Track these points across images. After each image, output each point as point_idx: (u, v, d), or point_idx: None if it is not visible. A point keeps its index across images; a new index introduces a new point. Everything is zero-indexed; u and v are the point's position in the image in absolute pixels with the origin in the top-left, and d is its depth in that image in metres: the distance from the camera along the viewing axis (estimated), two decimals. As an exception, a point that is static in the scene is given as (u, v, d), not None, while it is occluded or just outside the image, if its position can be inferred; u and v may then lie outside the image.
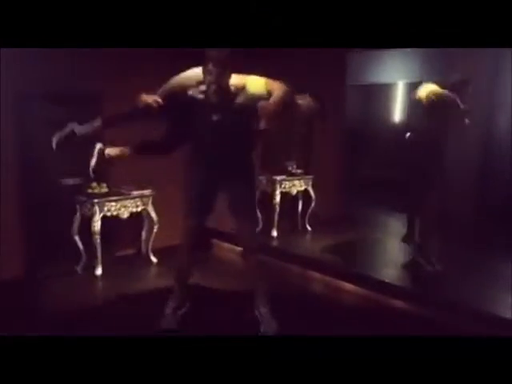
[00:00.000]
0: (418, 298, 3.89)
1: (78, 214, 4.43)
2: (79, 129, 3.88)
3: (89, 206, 4.35)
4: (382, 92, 7.59)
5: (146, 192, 4.67)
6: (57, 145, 3.84)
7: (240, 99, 3.01)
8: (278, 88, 2.97)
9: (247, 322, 3.27)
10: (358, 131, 7.48)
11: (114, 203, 4.44)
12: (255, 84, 3.01)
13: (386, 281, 4.20)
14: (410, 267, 4.54)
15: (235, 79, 3.02)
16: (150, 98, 3.07)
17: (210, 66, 2.90)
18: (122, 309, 3.77)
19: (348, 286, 4.23)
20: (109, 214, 4.41)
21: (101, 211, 4.34)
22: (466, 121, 4.27)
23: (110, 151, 3.48)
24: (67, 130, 3.87)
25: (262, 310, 3.28)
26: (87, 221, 4.36)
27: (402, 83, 7.46)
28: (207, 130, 3.09)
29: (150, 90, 3.18)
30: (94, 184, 4.46)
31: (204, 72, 2.95)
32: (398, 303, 3.86)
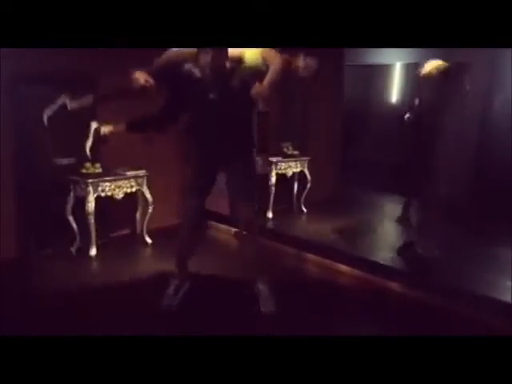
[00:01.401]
0: (414, 279, 3.91)
1: (71, 194, 4.39)
2: (71, 103, 3.83)
3: (83, 186, 4.31)
4: (380, 73, 7.53)
5: (141, 172, 4.63)
6: (48, 119, 3.79)
7: (237, 76, 2.97)
8: (273, 60, 2.95)
9: (246, 300, 3.30)
10: (355, 112, 7.43)
11: (108, 183, 4.40)
12: (251, 56, 2.99)
13: (381, 262, 4.21)
14: (406, 249, 4.55)
15: (231, 52, 2.97)
16: (142, 77, 2.99)
17: (207, 49, 2.84)
18: (117, 289, 3.77)
19: (343, 267, 4.24)
20: (103, 194, 4.37)
21: (95, 191, 4.30)
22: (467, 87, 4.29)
23: (105, 129, 3.43)
24: (58, 103, 3.81)
25: (261, 287, 3.32)
26: (81, 201, 4.33)
27: (399, 64, 7.41)
28: (204, 109, 3.05)
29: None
30: (88, 164, 4.42)
31: (200, 52, 2.88)
32: (394, 285, 3.87)
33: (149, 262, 4.57)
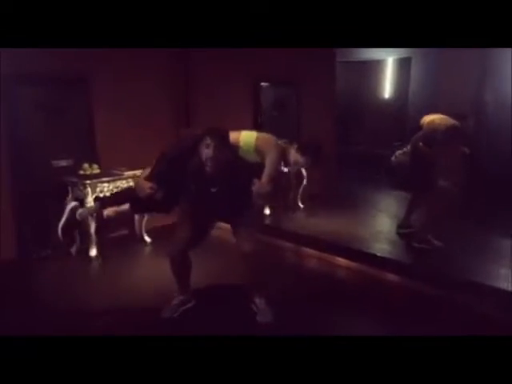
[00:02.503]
0: (411, 271, 3.96)
1: (70, 195, 4.42)
2: (80, 213, 3.96)
3: (81, 187, 4.34)
4: (373, 68, 7.59)
5: (138, 172, 4.65)
6: (62, 232, 3.93)
7: (236, 167, 2.98)
8: (269, 151, 2.95)
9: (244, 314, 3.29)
10: (349, 108, 7.49)
11: (106, 184, 4.43)
12: (246, 145, 2.97)
13: (378, 255, 4.27)
14: (403, 241, 4.62)
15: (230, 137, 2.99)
16: (147, 186, 3.02)
17: (209, 140, 2.87)
18: (117, 288, 3.80)
19: (341, 260, 4.29)
20: (101, 194, 4.41)
21: (93, 192, 4.34)
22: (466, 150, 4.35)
23: (108, 212, 3.47)
24: (67, 215, 3.96)
25: (258, 301, 3.28)
26: (80, 202, 4.36)
27: (391, 59, 7.47)
28: (205, 200, 3.07)
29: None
30: (86, 165, 4.46)
31: (201, 146, 2.90)
32: (391, 276, 3.93)
33: (149, 261, 4.62)
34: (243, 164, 3.01)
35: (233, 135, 3.00)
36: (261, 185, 2.92)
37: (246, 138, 3.00)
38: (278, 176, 3.03)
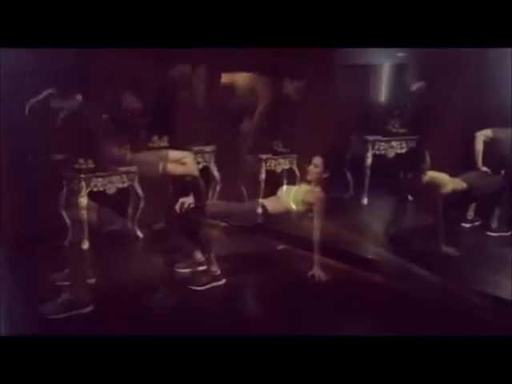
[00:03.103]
0: (402, 273, 3.99)
1: (64, 189, 4.43)
2: (55, 102, 3.89)
3: (75, 181, 4.35)
4: (369, 72, 7.61)
5: (133, 168, 4.68)
6: (29, 110, 3.86)
7: (228, 103, 3.01)
8: (263, 92, 2.98)
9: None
10: (345, 111, 7.49)
11: (100, 179, 4.45)
12: (242, 85, 3.00)
13: (370, 257, 4.30)
14: (393, 244, 4.65)
15: (223, 79, 3.00)
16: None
17: (201, 68, 2.93)
18: (109, 282, 3.81)
19: (333, 262, 4.31)
20: (95, 189, 4.42)
21: (87, 187, 4.35)
22: None
23: None
24: (41, 96, 3.88)
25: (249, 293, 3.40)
26: (74, 196, 4.35)
27: (387, 65, 7.50)
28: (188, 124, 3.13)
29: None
30: (81, 160, 4.46)
31: (193, 74, 2.93)
32: (381, 278, 3.96)
33: (140, 256, 4.64)
34: (236, 101, 3.02)
35: (227, 76, 3.05)
36: (249, 125, 2.91)
37: (242, 78, 3.03)
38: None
